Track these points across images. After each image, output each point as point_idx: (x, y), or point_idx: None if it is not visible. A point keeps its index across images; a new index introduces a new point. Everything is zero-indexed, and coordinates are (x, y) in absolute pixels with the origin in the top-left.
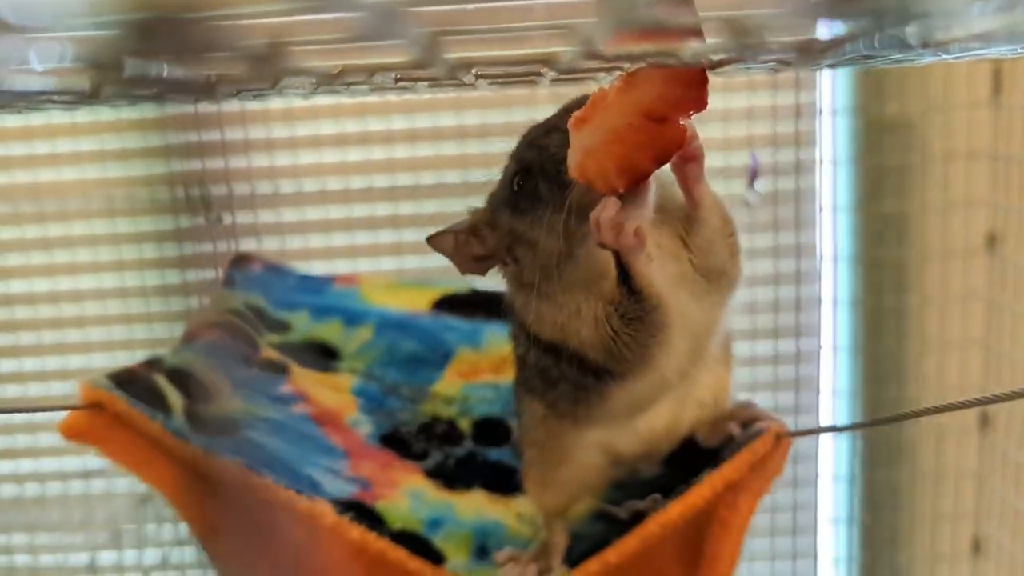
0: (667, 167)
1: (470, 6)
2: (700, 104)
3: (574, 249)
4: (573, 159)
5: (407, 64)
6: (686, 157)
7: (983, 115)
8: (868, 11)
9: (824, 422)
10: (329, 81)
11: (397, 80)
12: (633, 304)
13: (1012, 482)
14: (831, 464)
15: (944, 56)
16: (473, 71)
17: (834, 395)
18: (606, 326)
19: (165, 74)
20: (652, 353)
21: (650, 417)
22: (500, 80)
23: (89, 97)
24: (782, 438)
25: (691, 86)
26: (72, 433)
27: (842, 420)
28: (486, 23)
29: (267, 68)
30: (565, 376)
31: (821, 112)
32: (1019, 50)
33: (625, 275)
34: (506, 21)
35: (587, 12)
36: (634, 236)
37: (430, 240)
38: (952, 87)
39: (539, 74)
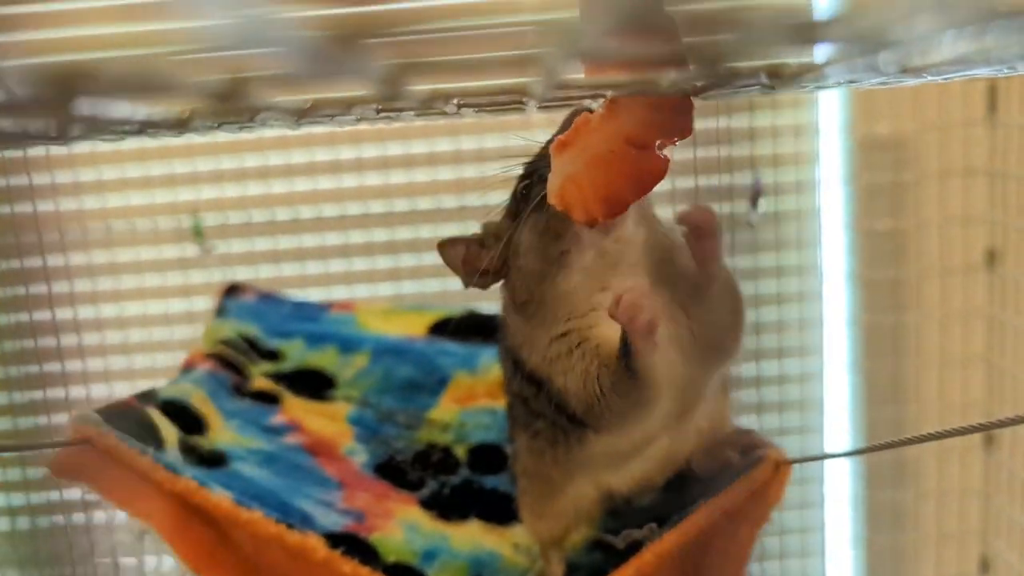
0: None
1: (431, 35)
2: (685, 131)
3: (551, 268)
4: (553, 184)
5: (373, 98)
6: (703, 233)
7: (979, 132)
8: (839, 39)
9: (829, 443)
10: (302, 115)
11: (379, 111)
12: (626, 379)
13: (1019, 501)
14: (838, 486)
15: (929, 78)
16: (453, 101)
17: (839, 416)
18: (595, 384)
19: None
20: (633, 418)
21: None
22: (485, 108)
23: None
24: (781, 465)
25: (676, 113)
26: (61, 471)
27: (845, 440)
28: (449, 54)
29: (231, 105)
30: (543, 412)
31: (821, 132)
32: (1006, 70)
33: (627, 350)
34: (469, 51)
35: (550, 43)
36: (647, 323)
37: (440, 247)
38: (948, 105)
39: (522, 102)
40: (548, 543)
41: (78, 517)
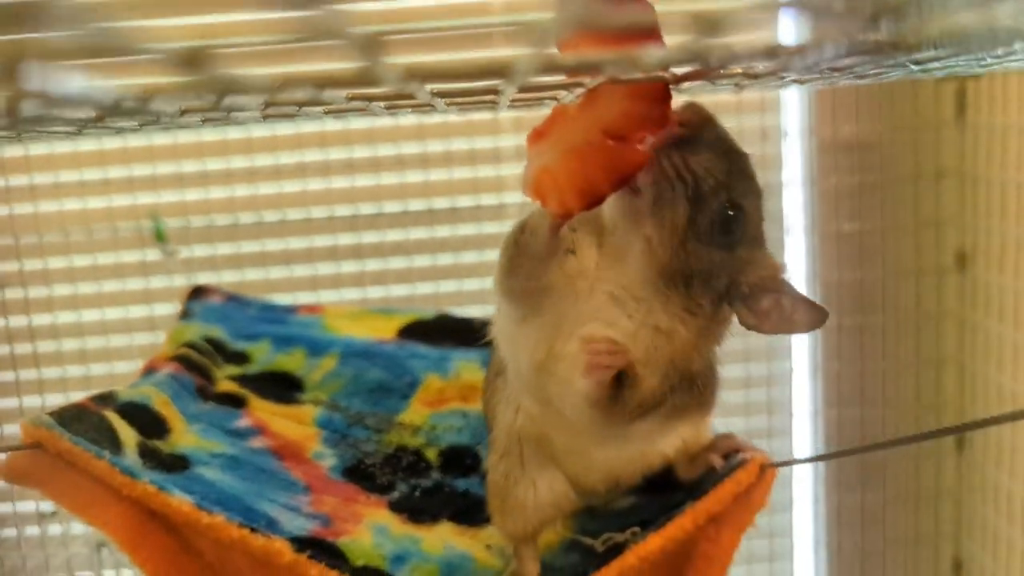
0: None
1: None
2: (663, 122)
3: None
4: (528, 174)
5: (345, 77)
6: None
7: (949, 134)
8: (837, 10)
9: (797, 445)
10: (273, 92)
11: (350, 98)
12: None
13: (992, 502)
14: (807, 489)
15: (912, 68)
16: (428, 88)
17: (808, 418)
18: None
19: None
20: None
21: (607, 455)
22: (458, 99)
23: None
24: (766, 469)
25: (654, 102)
26: (12, 475)
27: (813, 443)
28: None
29: (196, 74)
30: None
31: (787, 134)
32: (986, 60)
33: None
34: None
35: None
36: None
37: None
38: (918, 107)
39: (497, 92)
40: (518, 541)
41: (31, 530)
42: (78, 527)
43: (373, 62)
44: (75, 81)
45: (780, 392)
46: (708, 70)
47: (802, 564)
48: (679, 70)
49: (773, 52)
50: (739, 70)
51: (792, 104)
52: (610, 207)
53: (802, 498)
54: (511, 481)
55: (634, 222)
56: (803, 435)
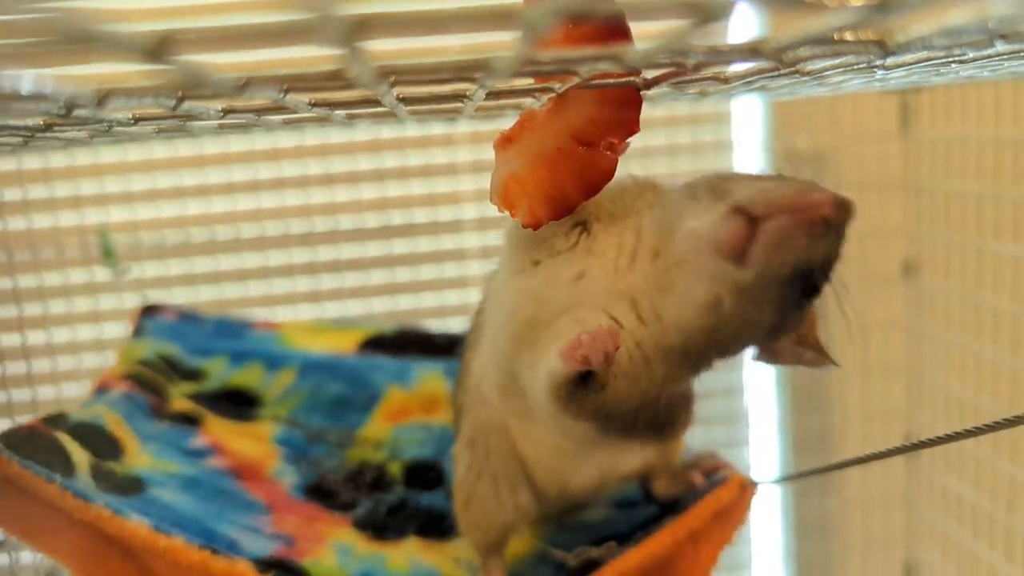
0: None
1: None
2: (632, 127)
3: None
4: (495, 181)
5: (315, 75)
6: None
7: (893, 147)
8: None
9: (755, 455)
10: (237, 92)
11: (313, 104)
12: None
13: (940, 506)
14: (763, 496)
15: (879, 74)
16: (395, 92)
17: (765, 427)
18: None
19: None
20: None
21: (561, 458)
22: (422, 105)
23: None
24: (747, 487)
25: (623, 107)
26: None
27: (772, 452)
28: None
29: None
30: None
31: (736, 147)
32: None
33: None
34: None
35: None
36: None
37: None
38: (862, 119)
39: (465, 97)
40: (484, 550)
41: None
42: (27, 556)
43: (352, 50)
44: (26, 76)
45: (736, 402)
46: (683, 70)
47: (761, 572)
48: (651, 73)
49: (756, 50)
50: (710, 74)
51: (746, 117)
52: (689, 245)
53: (760, 506)
54: (474, 474)
55: (715, 280)
56: (762, 445)
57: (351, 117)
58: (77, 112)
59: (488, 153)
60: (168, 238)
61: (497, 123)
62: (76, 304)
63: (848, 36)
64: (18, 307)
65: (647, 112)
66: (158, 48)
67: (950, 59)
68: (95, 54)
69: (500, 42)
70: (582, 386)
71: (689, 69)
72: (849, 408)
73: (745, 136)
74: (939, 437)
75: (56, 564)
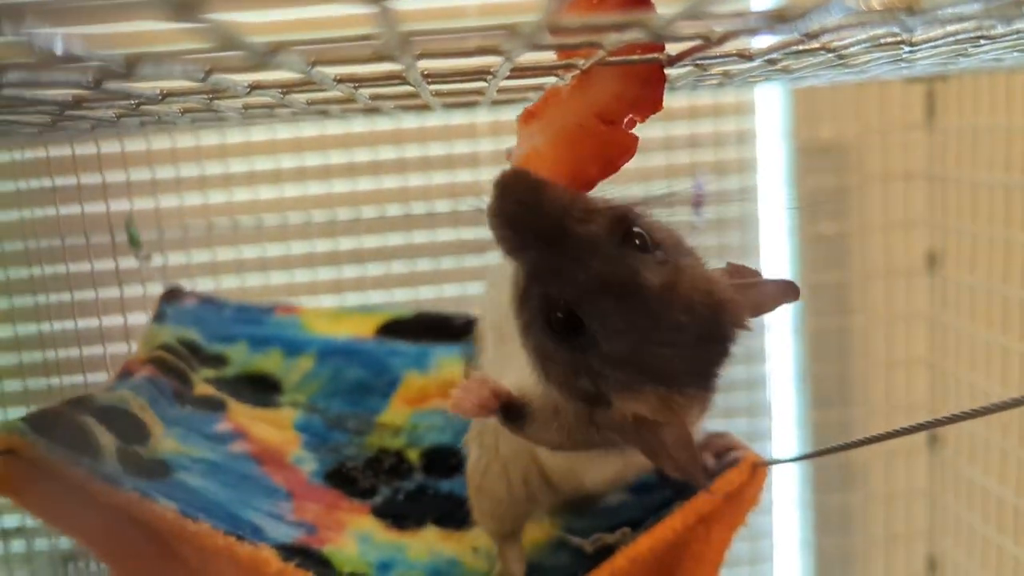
0: None
1: None
2: (656, 104)
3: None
4: (517, 156)
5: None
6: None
7: (918, 137)
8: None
9: (777, 447)
10: (264, 61)
11: (336, 80)
12: None
13: (964, 500)
14: (785, 490)
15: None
16: (420, 66)
17: (787, 420)
18: None
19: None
20: None
21: (581, 470)
22: (446, 81)
23: None
24: (758, 467)
25: (647, 84)
26: None
27: (794, 445)
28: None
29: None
30: None
31: (759, 137)
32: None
33: None
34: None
35: None
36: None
37: None
38: (888, 110)
39: (490, 73)
40: (500, 538)
41: None
42: (42, 543)
43: (382, 10)
44: (59, 36)
45: (759, 394)
46: (707, 44)
47: (782, 565)
48: (674, 50)
49: (782, 17)
50: (734, 51)
51: (768, 107)
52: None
53: (782, 500)
54: (482, 466)
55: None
56: (785, 438)
57: (375, 98)
58: (106, 85)
59: (510, 143)
60: (192, 228)
61: (518, 112)
62: (102, 293)
63: (875, 3)
64: (55, 295)
65: (669, 103)
66: (189, 3)
67: (978, 34)
68: (126, 11)
69: (527, 2)
70: (508, 419)
71: (714, 42)
72: (872, 401)
73: (768, 126)
74: (956, 415)
75: (73, 549)
